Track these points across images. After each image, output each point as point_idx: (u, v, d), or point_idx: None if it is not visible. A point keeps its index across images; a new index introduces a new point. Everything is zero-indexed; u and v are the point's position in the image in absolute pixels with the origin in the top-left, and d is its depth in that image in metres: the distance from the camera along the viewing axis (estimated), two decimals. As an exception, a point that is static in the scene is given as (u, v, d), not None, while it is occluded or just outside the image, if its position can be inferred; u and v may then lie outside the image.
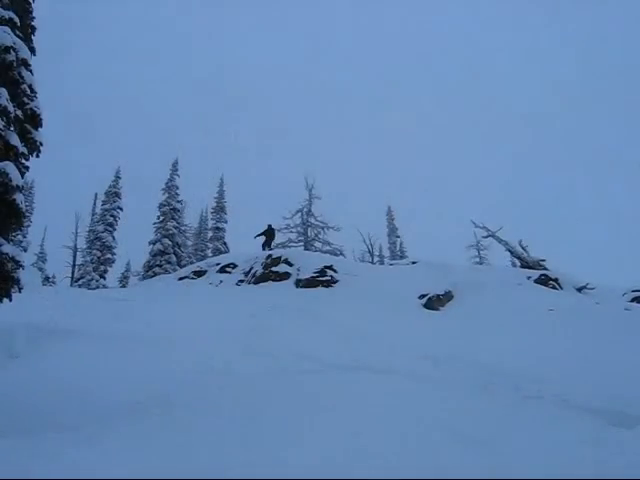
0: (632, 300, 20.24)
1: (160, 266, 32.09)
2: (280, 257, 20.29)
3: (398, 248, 44.78)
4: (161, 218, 34.12)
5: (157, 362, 7.70)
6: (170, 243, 33.06)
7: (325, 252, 27.55)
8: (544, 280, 20.68)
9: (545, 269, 22.94)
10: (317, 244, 29.55)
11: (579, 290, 21.14)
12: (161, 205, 34.62)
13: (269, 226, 22.20)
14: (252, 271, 20.48)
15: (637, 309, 17.24)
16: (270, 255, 20.50)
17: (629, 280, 22.55)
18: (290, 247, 27.31)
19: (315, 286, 18.26)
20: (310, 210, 22.37)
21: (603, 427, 4.86)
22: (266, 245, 22.27)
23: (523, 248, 24.97)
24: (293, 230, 23.84)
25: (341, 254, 30.27)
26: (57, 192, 52.95)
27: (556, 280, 21.07)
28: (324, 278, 18.67)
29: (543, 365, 8.27)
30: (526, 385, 6.73)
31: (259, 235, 22.35)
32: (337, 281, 18.72)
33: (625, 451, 4.23)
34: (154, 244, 33.20)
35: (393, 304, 15.71)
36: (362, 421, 4.85)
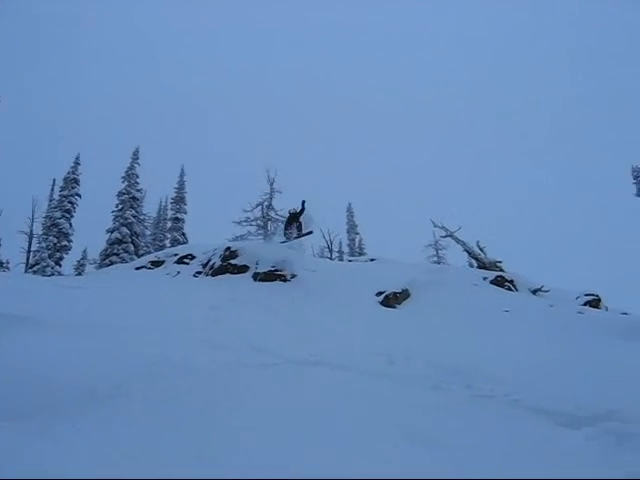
0: (585, 304, 20.70)
1: (117, 255, 31.56)
2: (239, 250, 20.08)
3: (357, 245, 44.92)
4: (120, 207, 33.57)
5: (112, 351, 7.47)
6: (128, 232, 32.53)
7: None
8: (500, 281, 20.99)
9: (501, 270, 23.30)
10: (277, 238, 29.34)
11: (534, 292, 21.50)
12: (120, 193, 34.04)
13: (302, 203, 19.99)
14: (210, 263, 20.25)
15: (589, 313, 17.61)
16: (229, 248, 20.28)
17: (586, 284, 23.07)
18: (249, 240, 27.09)
19: (273, 280, 18.18)
20: (271, 204, 22.19)
21: (552, 428, 4.93)
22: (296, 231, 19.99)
23: (480, 249, 25.32)
24: (253, 223, 23.63)
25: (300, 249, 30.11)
26: (14, 176, 51.40)
27: (512, 282, 21.43)
28: (282, 273, 18.55)
29: (496, 365, 8.33)
30: (479, 384, 6.76)
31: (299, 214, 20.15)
32: (295, 276, 18.63)
33: (573, 452, 4.28)
34: (112, 232, 32.64)
35: (350, 300, 15.77)
36: (317, 415, 4.88)
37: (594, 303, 21.42)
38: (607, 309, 21.77)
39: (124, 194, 33.91)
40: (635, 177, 22.15)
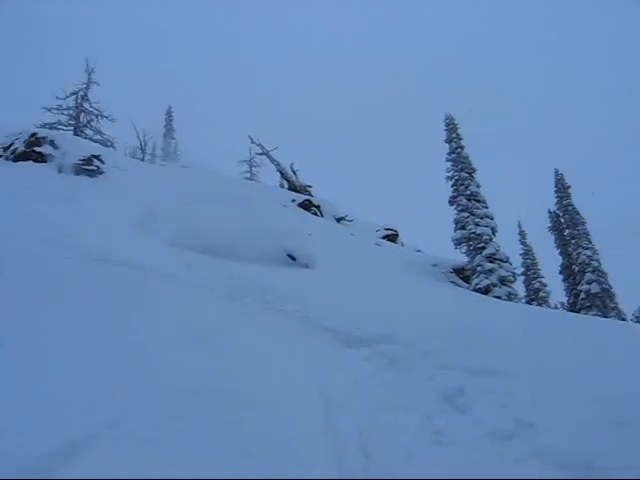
0: (383, 237, 22.54)
1: None
2: (46, 137, 18.79)
3: (172, 150, 43.88)
4: None
5: None
6: None
7: (95, 141, 26.08)
8: (307, 205, 21.74)
9: (310, 195, 24.35)
10: (88, 131, 27.82)
11: (338, 220, 22.68)
12: None
13: None
14: (13, 147, 18.75)
15: (385, 245, 19.39)
16: (34, 134, 18.89)
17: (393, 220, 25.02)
18: (59, 130, 25.35)
19: (79, 174, 17.32)
20: (86, 95, 20.82)
21: (335, 345, 5.29)
22: None
23: (293, 172, 26.06)
24: (65, 112, 22.06)
25: (112, 146, 28.91)
26: None
27: (318, 207, 22.29)
28: (90, 167, 17.73)
29: (289, 282, 8.73)
30: (273, 298, 7.08)
31: None
32: (103, 172, 17.93)
33: (352, 368, 4.65)
34: None
35: (157, 202, 15.46)
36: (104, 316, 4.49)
37: (392, 237, 23.11)
38: (403, 244, 24.03)
39: None
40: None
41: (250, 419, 2.87)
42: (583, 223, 33.59)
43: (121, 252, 7.98)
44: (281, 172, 26.63)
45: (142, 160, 32.63)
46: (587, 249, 32.17)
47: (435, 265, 17.21)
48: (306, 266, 11.50)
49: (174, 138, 44.33)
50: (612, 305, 30.78)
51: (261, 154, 28.23)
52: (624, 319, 29.55)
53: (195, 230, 12.07)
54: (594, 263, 31.60)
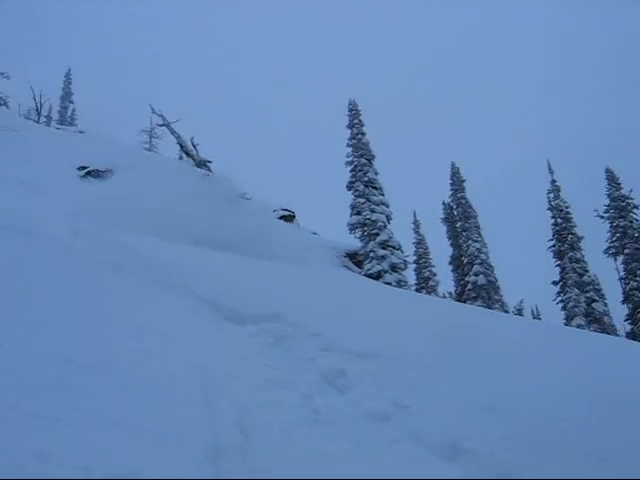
0: (280, 217, 22.45)
1: None
2: None
3: (69, 114, 41.99)
4: None
5: None
6: None
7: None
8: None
9: (209, 170, 23.98)
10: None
11: (236, 198, 22.60)
12: None
13: None
14: None
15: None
16: None
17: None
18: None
19: (-39, 129, 16.24)
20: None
21: (221, 321, 5.26)
22: None
23: (194, 145, 25.51)
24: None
25: (5, 105, 27.32)
26: None
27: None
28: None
29: (181, 257, 8.40)
30: (161, 271, 6.80)
31: None
32: (-11, 133, 16.87)
33: (237, 345, 4.68)
34: None
35: (51, 168, 14.82)
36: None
37: (289, 218, 23.27)
38: (299, 226, 24.13)
39: None
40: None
41: (125, 393, 2.79)
42: (475, 217, 35.06)
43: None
44: (181, 145, 25.94)
45: (37, 122, 30.96)
46: (477, 242, 33.63)
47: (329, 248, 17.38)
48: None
49: (72, 102, 42.42)
50: (497, 297, 32.44)
51: (162, 125, 27.38)
52: (507, 311, 31.23)
53: (88, 197, 11.56)
54: (482, 256, 33.11)
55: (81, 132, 23.33)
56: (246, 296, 6.24)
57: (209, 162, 24.79)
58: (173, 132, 25.83)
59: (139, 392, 2.92)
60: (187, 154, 25.47)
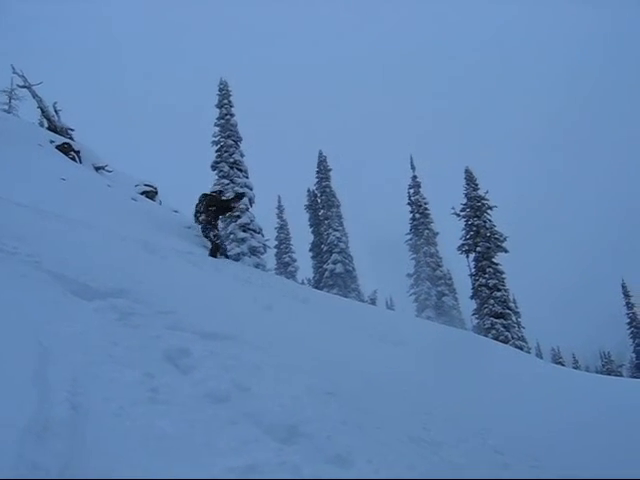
0: (142, 193, 22.24)
1: None
2: None
3: None
4: None
5: None
6: None
7: None
8: (66, 149, 20.56)
9: (71, 138, 23.15)
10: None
11: (97, 169, 21.85)
12: None
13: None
14: None
15: (142, 201, 19.28)
16: None
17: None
18: None
19: None
20: None
21: (66, 295, 5.02)
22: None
23: (56, 111, 24.55)
24: None
25: None
26: None
27: (78, 152, 21.30)
28: None
29: (30, 223, 8.13)
30: (6, 238, 6.33)
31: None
32: None
33: (80, 320, 4.44)
34: None
35: None
36: None
37: (150, 194, 22.91)
38: (161, 203, 23.94)
39: None
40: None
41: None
42: (338, 206, 36.12)
43: None
44: (42, 109, 24.84)
45: None
46: (337, 231, 34.76)
47: (189, 227, 17.50)
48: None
49: None
50: (353, 286, 33.88)
51: (23, 87, 25.99)
52: (363, 300, 32.68)
53: None
54: (341, 245, 34.31)
55: None
56: (96, 270, 6.07)
57: (71, 130, 23.98)
58: (35, 95, 24.69)
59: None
60: (48, 119, 24.45)
